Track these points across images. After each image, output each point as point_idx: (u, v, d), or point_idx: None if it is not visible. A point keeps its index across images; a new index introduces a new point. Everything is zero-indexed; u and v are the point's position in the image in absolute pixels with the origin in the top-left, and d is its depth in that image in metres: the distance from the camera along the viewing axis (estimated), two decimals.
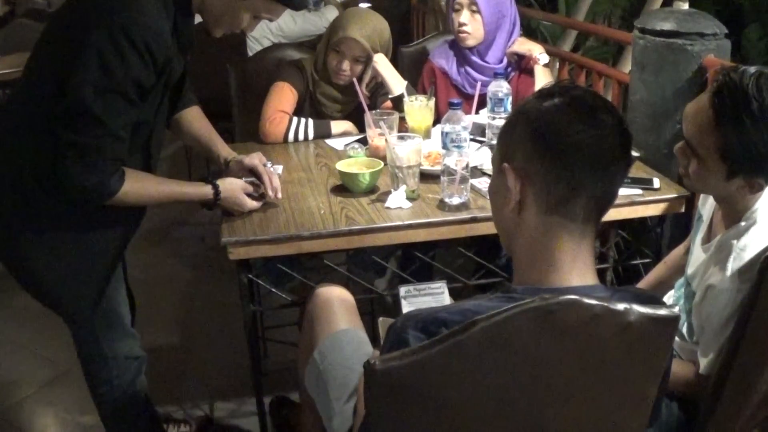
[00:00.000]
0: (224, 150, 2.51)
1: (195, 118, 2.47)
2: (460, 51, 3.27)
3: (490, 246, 2.51)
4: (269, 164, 2.50)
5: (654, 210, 2.44)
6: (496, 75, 2.92)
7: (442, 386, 1.21)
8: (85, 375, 2.39)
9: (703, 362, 1.82)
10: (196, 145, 2.54)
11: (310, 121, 3.10)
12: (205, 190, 2.23)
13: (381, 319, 2.20)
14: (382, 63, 3.10)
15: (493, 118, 2.84)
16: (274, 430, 2.83)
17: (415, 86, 3.34)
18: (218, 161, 2.52)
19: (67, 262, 2.11)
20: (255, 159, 2.43)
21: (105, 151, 1.91)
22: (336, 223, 2.28)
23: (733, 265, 1.76)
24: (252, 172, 2.42)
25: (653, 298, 1.43)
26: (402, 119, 2.93)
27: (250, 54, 4.61)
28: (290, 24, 5.08)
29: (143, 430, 2.55)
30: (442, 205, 2.36)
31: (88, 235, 2.12)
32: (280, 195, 2.40)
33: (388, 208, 2.35)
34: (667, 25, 2.64)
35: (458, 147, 2.39)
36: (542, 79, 3.13)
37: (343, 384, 1.92)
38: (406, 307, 2.16)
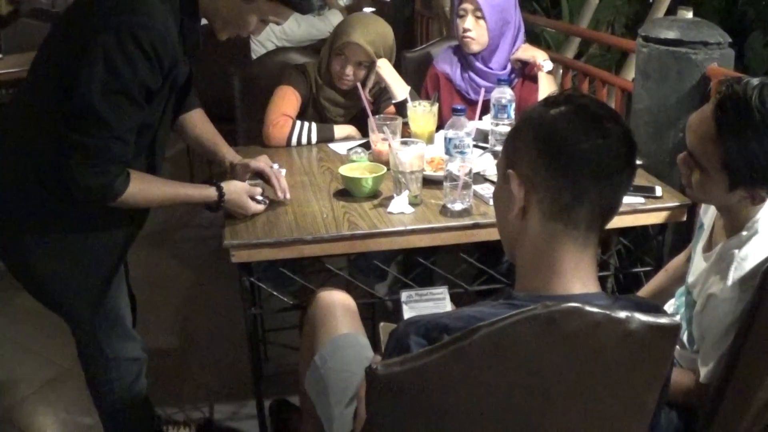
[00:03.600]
0: (229, 153, 2.52)
1: (199, 121, 2.48)
2: (464, 57, 3.27)
3: (491, 252, 2.51)
4: (275, 166, 2.52)
5: (656, 218, 2.44)
6: (499, 81, 2.92)
7: (444, 392, 1.21)
8: (85, 376, 2.39)
9: (703, 371, 1.82)
10: (200, 148, 2.54)
11: (314, 125, 3.10)
12: (208, 192, 2.24)
13: (382, 324, 2.20)
14: (385, 68, 3.10)
15: (497, 125, 2.84)
16: None
17: (419, 92, 3.34)
18: (223, 164, 2.53)
19: (69, 263, 2.12)
20: (261, 162, 2.46)
21: (110, 152, 1.91)
22: (338, 227, 2.28)
23: (734, 274, 1.76)
24: (259, 175, 2.44)
25: (654, 306, 1.44)
26: (405, 124, 2.94)
27: (254, 57, 4.62)
28: (294, 28, 5.08)
29: None
30: (444, 211, 2.36)
31: (91, 237, 2.12)
32: (288, 196, 2.44)
33: (390, 213, 2.36)
34: (670, 34, 2.64)
35: (461, 153, 2.40)
36: (546, 86, 3.13)
37: (343, 388, 1.93)
38: (408, 312, 2.16)
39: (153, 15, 1.88)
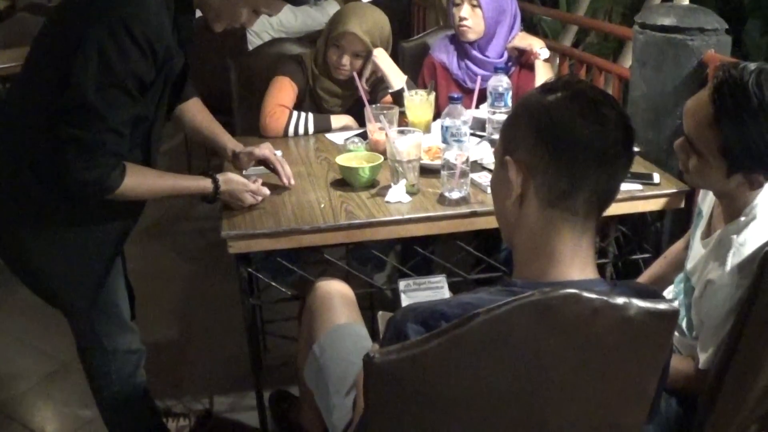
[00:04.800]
0: (230, 142, 2.53)
1: (197, 111, 2.48)
2: (460, 45, 3.27)
3: (489, 240, 2.51)
4: (279, 153, 2.55)
5: (654, 205, 2.44)
6: (496, 70, 2.92)
7: (442, 379, 1.21)
8: (84, 369, 2.39)
9: (703, 357, 1.82)
10: (199, 137, 2.55)
11: (310, 116, 3.10)
12: (205, 184, 2.24)
13: (380, 313, 2.19)
14: (381, 57, 3.10)
15: (494, 113, 2.84)
16: (274, 423, 2.83)
17: (416, 81, 3.34)
18: (224, 153, 2.53)
19: (65, 256, 2.11)
20: (265, 149, 2.49)
21: (105, 146, 1.90)
22: (336, 217, 2.28)
23: (732, 260, 1.76)
24: (263, 163, 2.46)
25: (653, 292, 1.43)
26: (402, 114, 2.93)
27: (251, 48, 4.61)
28: (291, 19, 5.08)
29: (142, 424, 2.56)
30: (442, 200, 2.36)
31: (87, 229, 2.11)
32: (293, 182, 2.48)
33: (388, 202, 2.35)
34: (667, 21, 2.63)
35: (458, 141, 2.39)
36: (543, 74, 3.13)
37: (342, 378, 1.93)
38: (406, 301, 2.16)
39: (146, 7, 1.88)
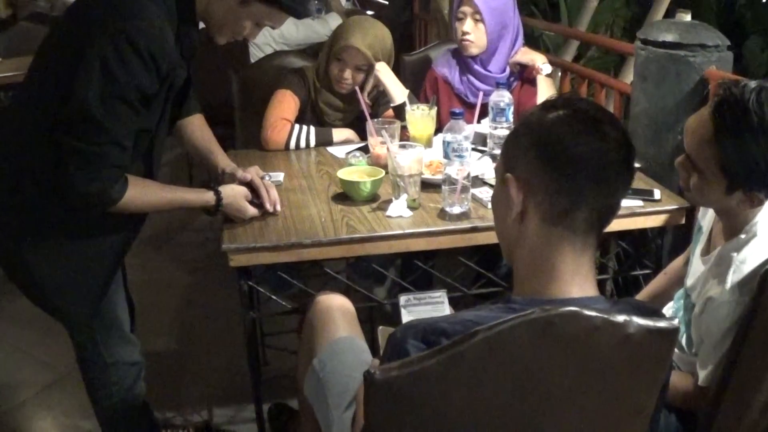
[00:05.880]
0: (223, 160, 2.48)
1: (197, 127, 2.47)
2: (462, 60, 3.27)
3: (490, 255, 2.50)
4: (267, 177, 2.48)
5: (654, 221, 2.44)
6: (498, 84, 2.92)
7: (442, 396, 1.21)
8: (84, 380, 2.39)
9: (702, 374, 1.82)
10: (195, 153, 2.52)
11: (312, 129, 3.10)
12: (207, 197, 2.23)
13: (381, 328, 2.20)
14: (383, 71, 3.10)
15: (495, 128, 2.84)
16: None
17: (418, 95, 3.34)
18: (215, 171, 2.50)
19: (66, 268, 2.11)
20: (249, 173, 2.39)
21: (108, 158, 1.91)
22: (336, 231, 2.28)
23: (732, 277, 1.76)
24: (248, 185, 2.38)
25: (653, 310, 1.43)
26: (404, 128, 2.93)
27: (253, 61, 4.62)
28: (293, 31, 5.08)
29: None
30: (442, 215, 2.36)
31: (89, 241, 2.12)
32: (279, 207, 2.40)
33: (388, 216, 2.35)
34: (669, 37, 2.64)
35: (459, 156, 2.39)
36: (544, 89, 3.13)
37: (342, 392, 1.92)
38: (406, 316, 2.16)
39: (150, 20, 1.88)
